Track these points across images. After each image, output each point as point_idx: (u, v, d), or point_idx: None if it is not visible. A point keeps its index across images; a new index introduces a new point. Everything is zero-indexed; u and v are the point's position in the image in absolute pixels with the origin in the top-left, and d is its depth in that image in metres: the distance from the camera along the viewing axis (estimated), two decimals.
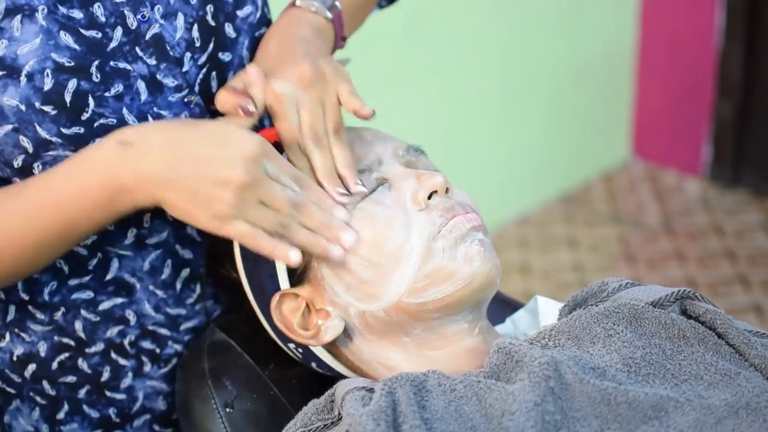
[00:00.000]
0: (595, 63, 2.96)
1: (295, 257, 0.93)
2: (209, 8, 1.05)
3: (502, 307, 1.16)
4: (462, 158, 2.66)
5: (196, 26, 1.04)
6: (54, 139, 0.98)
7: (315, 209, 0.94)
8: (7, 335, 1.09)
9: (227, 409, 1.03)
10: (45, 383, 1.11)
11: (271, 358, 1.07)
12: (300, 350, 1.01)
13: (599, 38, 2.94)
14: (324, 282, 0.97)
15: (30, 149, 0.98)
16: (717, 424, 0.87)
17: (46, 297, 1.07)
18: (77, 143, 0.99)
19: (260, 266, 1.00)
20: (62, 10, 0.97)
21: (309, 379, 1.05)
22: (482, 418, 0.87)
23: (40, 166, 0.99)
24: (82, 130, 0.99)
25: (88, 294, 1.08)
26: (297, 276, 0.99)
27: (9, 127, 0.97)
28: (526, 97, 2.81)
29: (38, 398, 1.12)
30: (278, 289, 0.99)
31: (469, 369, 0.96)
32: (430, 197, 0.97)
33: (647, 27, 3.04)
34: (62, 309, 1.08)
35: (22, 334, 1.09)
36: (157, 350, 1.13)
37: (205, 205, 0.91)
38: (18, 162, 0.99)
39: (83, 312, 1.08)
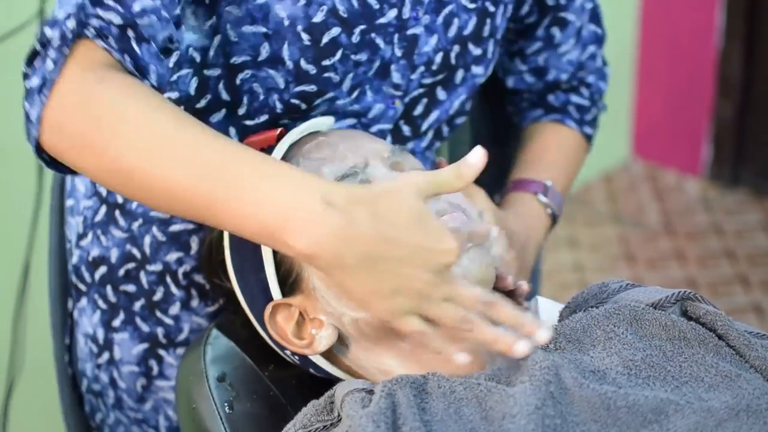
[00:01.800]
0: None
1: (463, 360, 0.88)
2: (456, 48, 1.11)
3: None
4: None
5: (440, 54, 1.11)
6: (288, 63, 1.03)
7: (507, 304, 0.87)
8: (90, 235, 1.18)
9: (227, 410, 1.03)
10: (109, 288, 1.19)
11: (271, 359, 1.07)
12: (297, 357, 1.01)
13: None
14: (316, 292, 0.97)
15: (260, 57, 1.03)
16: (717, 427, 0.87)
17: (134, 205, 1.15)
18: (300, 78, 1.04)
19: (251, 277, 1.00)
20: None
21: (309, 379, 1.05)
22: (482, 421, 0.87)
23: (248, 74, 1.04)
24: (313, 71, 1.04)
25: (165, 214, 1.14)
26: (289, 285, 0.98)
27: (262, 29, 1.01)
28: None
29: (100, 302, 1.20)
30: (271, 299, 0.99)
31: (468, 371, 0.95)
32: None
33: (647, 27, 3.04)
34: (141, 220, 1.15)
35: (102, 237, 1.17)
36: (207, 286, 1.17)
37: (388, 296, 0.84)
38: (237, 60, 1.03)
39: (154, 229, 1.15)
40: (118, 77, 0.87)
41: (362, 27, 1.04)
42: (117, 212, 1.16)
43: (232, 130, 1.09)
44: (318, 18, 1.02)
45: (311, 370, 1.03)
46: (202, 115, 1.08)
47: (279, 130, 1.04)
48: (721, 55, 2.93)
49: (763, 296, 2.61)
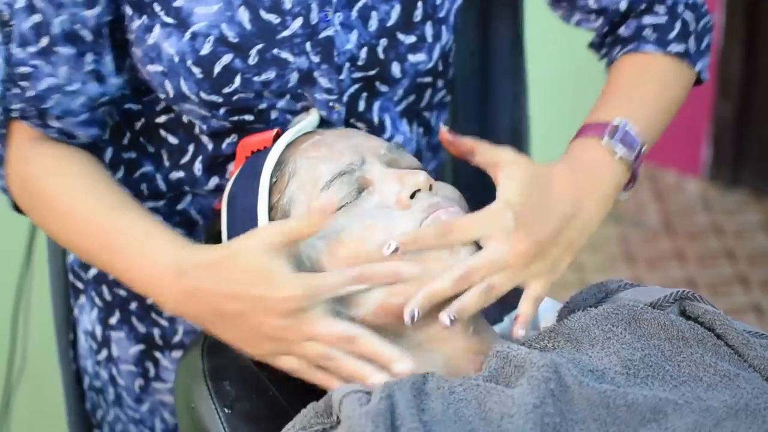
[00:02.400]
0: (595, 63, 2.95)
1: (404, 368, 0.92)
2: (383, 41, 1.06)
3: (501, 306, 1.16)
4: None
5: (365, 50, 1.06)
6: (192, 97, 1.04)
7: (368, 337, 0.92)
8: None
9: (226, 410, 1.03)
10: (104, 287, 1.20)
11: None
12: None
13: None
14: None
15: (171, 94, 1.05)
16: (716, 426, 0.86)
17: None
18: (212, 108, 1.05)
19: None
20: None
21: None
22: (481, 422, 0.87)
23: (177, 108, 1.07)
24: (220, 100, 1.04)
25: (157, 217, 1.12)
26: None
27: (159, 68, 1.03)
28: (533, 100, 2.80)
29: (97, 299, 1.22)
30: None
31: (467, 372, 0.95)
32: (413, 196, 0.97)
33: None
34: None
35: None
36: None
37: (254, 343, 0.95)
38: (162, 95, 1.06)
39: None
40: (43, 156, 1.05)
41: (259, 47, 1.02)
42: None
43: (205, 138, 1.11)
44: (205, 50, 1.01)
45: None
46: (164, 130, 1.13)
47: (275, 130, 1.04)
48: (721, 55, 2.93)
49: (762, 296, 2.61)
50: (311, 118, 1.06)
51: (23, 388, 1.79)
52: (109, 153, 1.15)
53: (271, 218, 0.99)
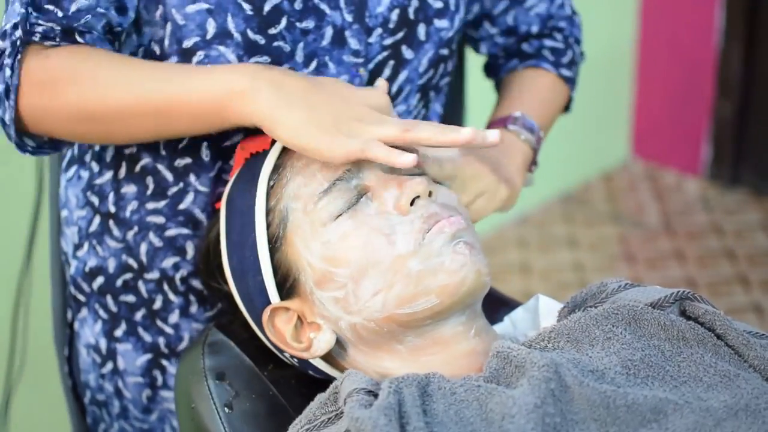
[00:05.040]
0: (595, 63, 2.95)
1: (408, 160, 0.94)
2: (414, 2, 1.11)
3: (501, 306, 1.16)
4: None
5: (397, 11, 1.10)
6: (236, 35, 1.04)
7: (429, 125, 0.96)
8: (86, 245, 1.20)
9: (226, 410, 1.03)
10: (109, 298, 1.20)
11: (270, 359, 1.07)
12: (296, 359, 1.02)
13: (599, 38, 2.94)
14: (313, 296, 0.97)
15: (209, 35, 1.04)
16: (716, 427, 0.87)
17: (128, 214, 1.16)
18: (251, 50, 1.05)
19: (249, 280, 1.00)
20: None
21: (308, 379, 1.05)
22: (482, 422, 0.87)
23: (202, 56, 1.05)
24: (262, 41, 1.05)
25: (160, 219, 1.15)
26: (286, 289, 0.99)
27: (205, 6, 1.03)
28: None
29: (101, 312, 1.21)
30: (269, 302, 0.99)
31: (469, 372, 0.95)
32: (412, 203, 0.97)
33: (647, 27, 3.04)
34: (136, 228, 1.16)
35: (98, 247, 1.19)
36: (205, 291, 1.17)
37: (330, 130, 0.95)
38: (189, 43, 1.05)
39: (151, 235, 1.16)
40: (65, 50, 1.01)
41: None
42: (111, 222, 1.17)
43: None
44: None
45: (310, 372, 1.03)
46: None
47: None
48: (720, 56, 2.93)
49: (762, 296, 2.61)
50: None
51: (22, 390, 1.79)
52: (110, 152, 1.15)
53: (268, 222, 0.99)
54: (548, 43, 1.29)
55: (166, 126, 1.01)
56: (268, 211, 0.99)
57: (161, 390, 1.22)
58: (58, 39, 1.01)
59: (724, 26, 2.90)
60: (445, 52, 1.16)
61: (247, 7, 1.03)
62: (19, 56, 1.00)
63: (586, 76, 3.04)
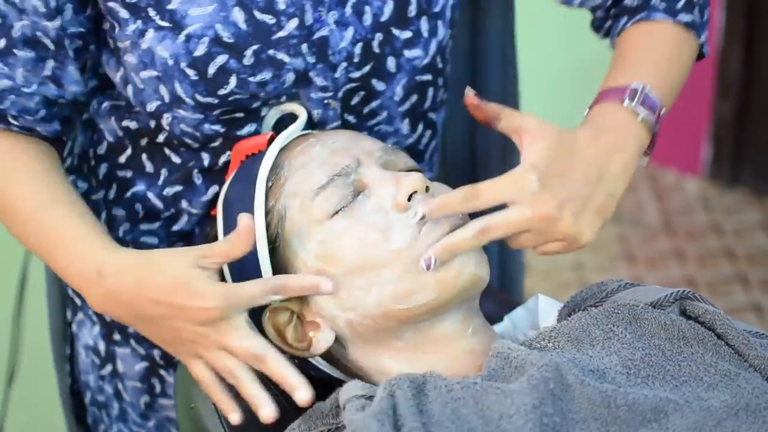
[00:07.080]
0: (595, 63, 2.95)
1: (235, 419, 0.96)
2: (378, 36, 1.07)
3: (501, 306, 1.16)
4: None
5: (360, 45, 1.06)
6: (188, 100, 1.04)
7: (276, 359, 0.94)
8: None
9: None
10: None
11: None
12: (296, 360, 1.01)
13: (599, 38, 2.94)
14: (310, 295, 0.97)
15: (166, 100, 1.04)
16: (716, 426, 0.86)
17: (121, 234, 1.16)
18: (207, 110, 1.04)
19: (249, 280, 1.00)
20: None
21: (310, 379, 1.05)
22: (480, 421, 0.87)
23: (170, 118, 1.06)
24: (215, 102, 1.04)
25: (153, 240, 1.15)
26: None
27: (154, 73, 1.03)
28: (526, 97, 2.80)
29: (96, 318, 1.21)
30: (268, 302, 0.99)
31: (468, 372, 0.95)
32: (410, 198, 0.96)
33: None
34: (131, 246, 1.14)
35: None
36: None
37: (172, 344, 0.98)
38: (152, 107, 1.06)
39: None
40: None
41: (255, 47, 1.02)
42: None
43: (206, 155, 1.10)
44: (200, 51, 1.01)
45: (311, 373, 1.02)
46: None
47: (269, 134, 1.04)
48: (720, 55, 2.93)
49: (762, 296, 2.61)
50: (301, 119, 1.06)
51: (20, 391, 1.78)
52: (103, 169, 1.15)
53: (268, 223, 0.99)
54: None
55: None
56: (267, 212, 0.99)
57: (160, 398, 1.22)
58: None
59: (724, 26, 2.89)
60: (426, 77, 1.13)
61: (191, 72, 1.02)
62: None
63: (585, 76, 3.04)
